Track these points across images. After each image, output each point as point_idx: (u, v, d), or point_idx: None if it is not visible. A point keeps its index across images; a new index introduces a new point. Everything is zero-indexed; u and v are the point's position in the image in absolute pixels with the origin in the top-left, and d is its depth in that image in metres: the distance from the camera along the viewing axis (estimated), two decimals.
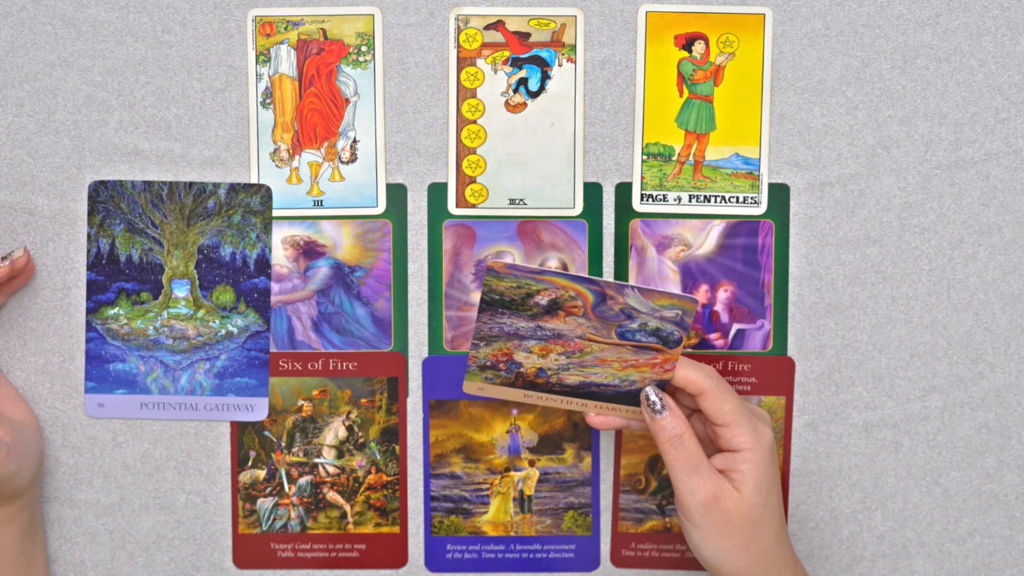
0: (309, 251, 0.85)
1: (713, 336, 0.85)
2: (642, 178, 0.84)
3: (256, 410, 0.85)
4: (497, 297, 0.74)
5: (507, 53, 0.83)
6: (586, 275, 0.75)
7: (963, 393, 0.85)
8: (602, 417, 0.79)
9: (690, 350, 0.85)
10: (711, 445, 0.78)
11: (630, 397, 0.78)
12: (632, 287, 0.74)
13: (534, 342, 0.76)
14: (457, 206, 0.84)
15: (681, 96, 0.84)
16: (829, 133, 0.84)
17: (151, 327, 0.84)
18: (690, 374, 0.76)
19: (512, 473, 0.86)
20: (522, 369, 0.77)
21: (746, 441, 0.75)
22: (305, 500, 0.86)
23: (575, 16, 0.83)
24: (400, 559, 0.87)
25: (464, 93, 0.84)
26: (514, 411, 0.86)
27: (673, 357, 0.76)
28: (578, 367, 0.77)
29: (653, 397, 0.76)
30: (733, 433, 0.75)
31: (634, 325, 0.75)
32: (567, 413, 0.86)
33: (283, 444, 0.86)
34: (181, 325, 0.84)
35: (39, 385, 0.85)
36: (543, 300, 0.74)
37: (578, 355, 0.76)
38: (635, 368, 0.76)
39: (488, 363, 0.77)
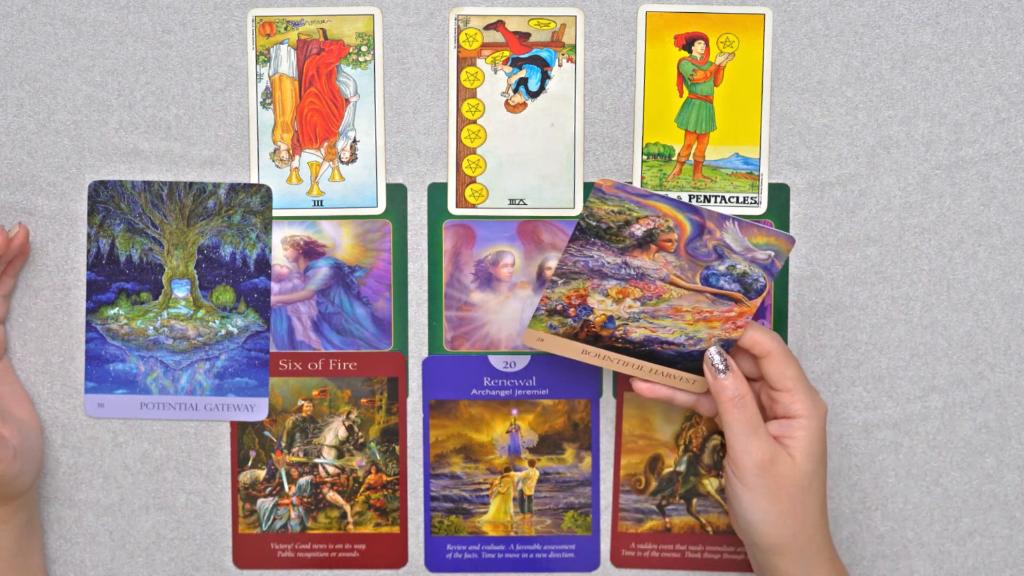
0: (309, 251, 0.85)
1: None
2: (642, 178, 0.84)
3: (256, 410, 0.85)
4: (595, 223, 0.74)
5: (507, 53, 0.83)
6: (689, 203, 0.75)
7: (963, 393, 0.85)
8: (648, 385, 0.79)
9: None
10: (766, 412, 0.79)
11: (691, 361, 0.78)
12: (733, 219, 0.74)
13: (614, 282, 0.76)
14: (457, 206, 0.84)
15: (681, 96, 0.84)
16: (829, 133, 0.84)
17: (151, 327, 0.84)
18: (758, 336, 0.77)
19: (512, 473, 0.86)
20: (591, 317, 0.77)
21: (804, 408, 0.76)
22: (305, 500, 0.86)
23: (575, 16, 0.83)
24: (400, 559, 0.87)
25: (464, 93, 0.84)
26: (514, 411, 0.86)
27: (749, 311, 0.76)
28: (649, 317, 0.77)
29: (717, 358, 0.77)
30: (792, 399, 0.76)
31: (722, 267, 0.75)
32: (567, 413, 0.86)
33: (283, 444, 0.86)
34: (181, 325, 0.84)
35: (39, 385, 0.85)
36: (639, 230, 0.74)
37: (654, 302, 0.76)
38: (706, 323, 0.77)
39: (559, 306, 0.77)
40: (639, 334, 0.77)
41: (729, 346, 0.77)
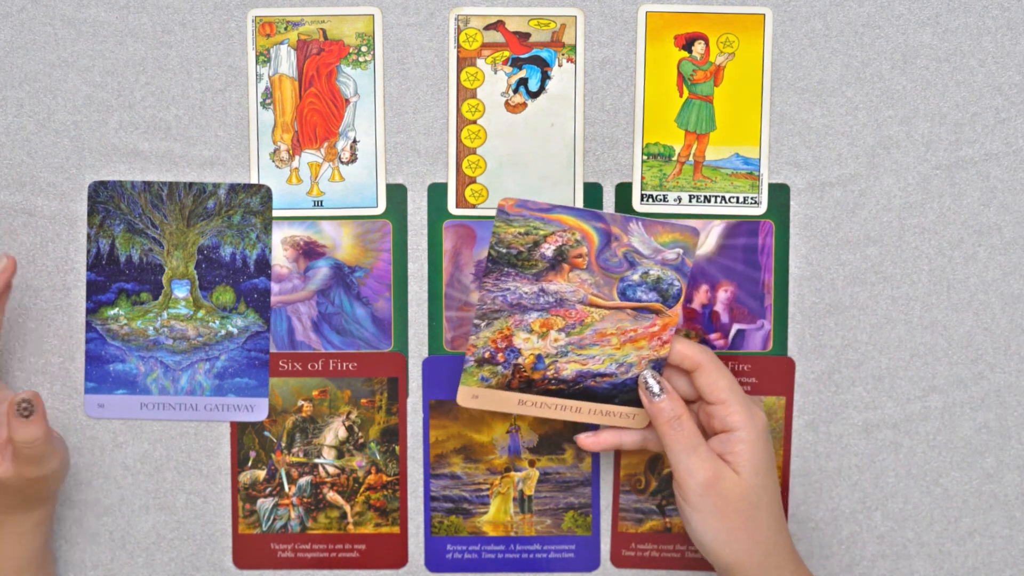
0: (309, 251, 0.85)
1: (713, 336, 0.85)
2: (642, 178, 0.84)
3: (256, 410, 0.85)
4: (504, 250, 0.74)
5: (507, 53, 0.83)
6: (593, 209, 0.75)
7: (963, 393, 0.85)
8: (593, 439, 0.80)
9: None
10: (706, 431, 0.78)
11: (626, 392, 0.78)
12: (636, 219, 0.74)
13: (536, 315, 0.76)
14: (457, 206, 0.84)
15: (681, 96, 0.84)
16: (829, 133, 0.84)
17: (151, 327, 0.84)
18: (686, 349, 0.76)
19: (512, 473, 0.86)
20: (520, 360, 0.77)
21: (740, 420, 0.75)
22: (305, 500, 0.86)
23: (575, 16, 0.83)
24: (400, 559, 0.87)
25: (464, 93, 0.84)
26: None
27: (671, 321, 0.76)
28: (576, 349, 0.77)
29: (651, 381, 0.77)
30: (728, 411, 0.75)
31: (635, 276, 0.75)
32: None
33: (283, 444, 0.86)
34: (181, 325, 0.84)
35: (39, 385, 0.85)
36: (549, 250, 0.74)
37: (578, 329, 0.76)
38: (633, 344, 0.77)
39: (487, 353, 0.77)
40: (570, 370, 0.78)
41: (660, 366, 0.77)
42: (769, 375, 0.85)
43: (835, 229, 0.85)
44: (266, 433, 0.85)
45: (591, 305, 0.76)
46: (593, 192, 0.84)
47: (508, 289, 0.76)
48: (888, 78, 0.84)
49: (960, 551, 0.86)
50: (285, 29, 0.83)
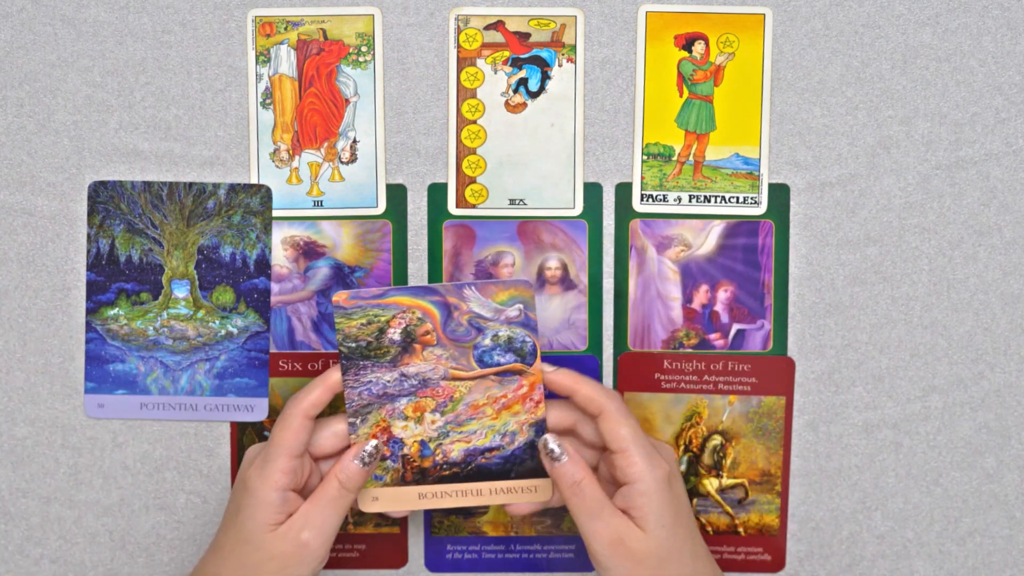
0: (309, 251, 0.85)
1: (713, 336, 0.85)
2: (642, 178, 0.84)
3: (256, 410, 0.85)
4: (353, 344, 0.75)
5: (507, 53, 0.83)
6: (424, 284, 0.75)
7: (963, 393, 0.85)
8: (518, 506, 0.79)
9: (691, 350, 0.85)
10: (613, 485, 0.77)
11: (519, 462, 0.78)
12: (469, 284, 0.75)
13: (405, 400, 0.76)
14: (457, 206, 0.84)
15: (681, 96, 0.84)
16: (829, 133, 0.84)
17: (151, 327, 0.84)
18: (592, 393, 0.75)
19: None
20: (406, 451, 0.77)
21: (639, 471, 0.73)
22: None
23: (575, 16, 0.83)
24: (400, 559, 0.87)
25: (464, 93, 0.84)
26: None
27: (536, 379, 0.76)
28: (455, 427, 0.77)
29: (552, 444, 0.75)
30: (627, 460, 0.74)
31: (487, 341, 0.75)
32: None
33: None
34: (181, 326, 0.84)
35: (39, 385, 0.85)
36: (396, 334, 0.75)
37: (451, 406, 0.76)
38: (507, 410, 0.77)
39: (371, 452, 0.76)
40: (457, 451, 0.78)
41: (542, 430, 0.77)
42: (769, 375, 0.85)
43: (835, 229, 0.85)
44: (266, 433, 0.85)
45: (454, 379, 0.76)
46: (593, 192, 0.84)
47: (370, 381, 0.76)
48: (888, 78, 0.84)
49: (960, 551, 0.86)
50: (285, 29, 0.83)
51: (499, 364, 0.76)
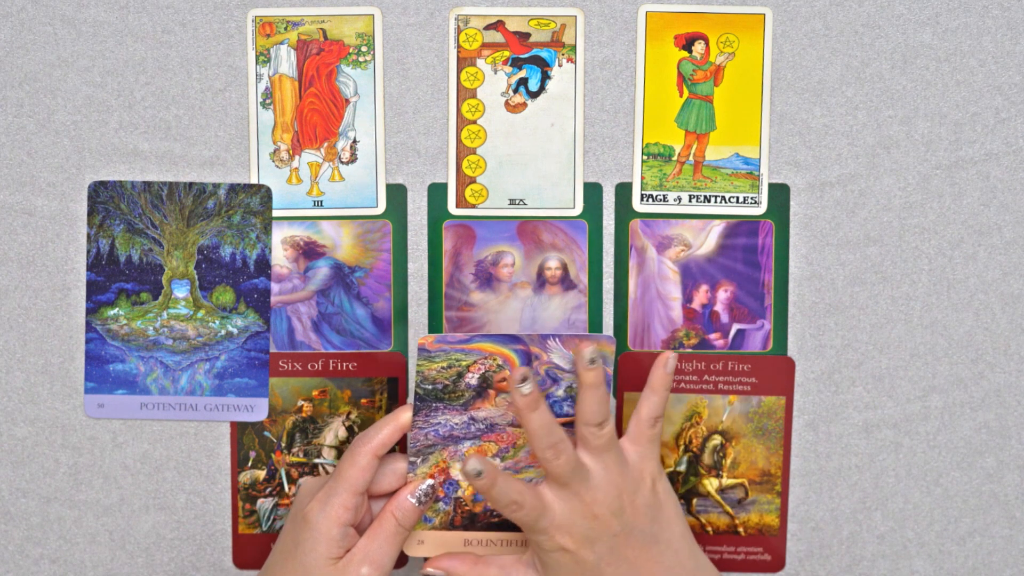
0: (309, 251, 0.85)
1: (713, 336, 0.85)
2: (642, 178, 0.84)
3: (256, 410, 0.85)
4: (430, 387, 0.75)
5: (507, 53, 0.83)
6: (510, 333, 0.75)
7: (963, 393, 0.85)
8: None
9: (691, 350, 0.85)
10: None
11: None
12: (553, 336, 0.74)
13: (469, 443, 0.76)
14: (457, 206, 0.84)
15: (681, 96, 0.84)
16: (829, 133, 0.84)
17: (151, 328, 0.84)
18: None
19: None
20: (460, 493, 0.77)
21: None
22: None
23: (575, 16, 0.83)
24: (401, 559, 0.87)
25: (464, 93, 0.84)
26: None
27: None
28: (513, 474, 0.77)
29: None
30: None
31: (560, 392, 0.75)
32: None
33: (283, 444, 0.86)
34: (181, 326, 0.84)
35: (39, 385, 0.85)
36: (473, 379, 0.75)
37: (512, 452, 0.76)
38: None
39: (427, 491, 0.77)
40: None
41: None
42: (769, 375, 0.85)
43: (835, 229, 0.85)
44: (266, 433, 0.85)
45: (520, 426, 0.76)
46: (593, 192, 0.84)
47: (439, 423, 0.76)
48: (888, 78, 0.84)
49: (960, 551, 0.86)
50: (285, 29, 0.83)
51: (568, 415, 0.76)
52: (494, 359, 0.75)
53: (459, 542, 0.79)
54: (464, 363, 0.75)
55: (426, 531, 0.78)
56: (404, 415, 0.76)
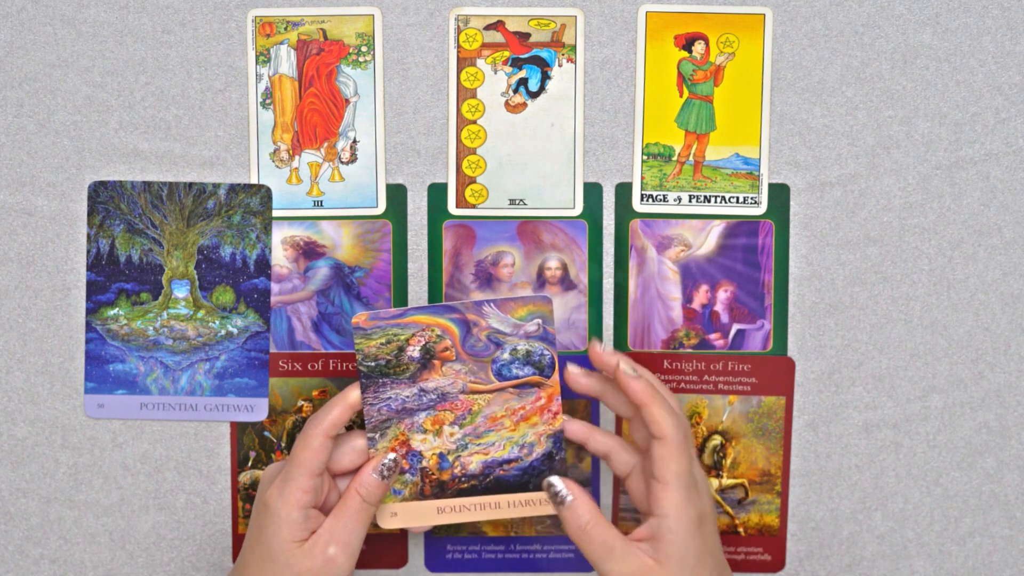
0: (309, 251, 0.85)
1: (713, 336, 0.85)
2: (642, 178, 0.84)
3: (256, 410, 0.85)
4: (372, 363, 0.75)
5: (507, 53, 0.83)
6: (443, 303, 0.76)
7: (963, 393, 0.85)
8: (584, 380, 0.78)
9: (691, 350, 0.85)
10: (643, 496, 0.76)
11: (538, 475, 0.78)
12: (488, 301, 0.75)
13: (424, 414, 0.76)
14: (457, 206, 0.84)
15: (681, 96, 0.84)
16: (829, 133, 0.84)
17: (151, 328, 0.84)
18: (662, 418, 0.73)
19: None
20: (425, 464, 0.77)
21: (671, 508, 0.72)
22: None
23: (575, 16, 0.83)
24: (400, 559, 0.87)
25: (464, 93, 0.84)
26: None
27: (555, 391, 0.77)
28: (473, 439, 0.77)
29: (558, 485, 0.75)
30: (664, 495, 0.72)
31: (505, 355, 0.76)
32: (567, 413, 0.86)
33: (283, 445, 0.86)
34: (181, 326, 0.84)
35: (39, 385, 0.85)
36: (415, 351, 0.75)
37: (469, 419, 0.77)
38: (525, 421, 0.77)
39: (389, 465, 0.77)
40: (476, 463, 0.78)
41: (560, 440, 0.77)
42: (769, 375, 0.85)
43: (835, 229, 0.85)
44: (266, 433, 0.85)
45: (473, 392, 0.76)
46: (593, 192, 0.84)
47: (389, 398, 0.76)
48: (888, 78, 0.84)
49: (960, 551, 0.86)
50: (285, 29, 0.83)
51: (517, 377, 0.76)
52: (432, 330, 0.75)
53: (432, 511, 0.79)
54: (403, 337, 0.75)
55: (397, 503, 0.78)
56: (352, 394, 0.76)
